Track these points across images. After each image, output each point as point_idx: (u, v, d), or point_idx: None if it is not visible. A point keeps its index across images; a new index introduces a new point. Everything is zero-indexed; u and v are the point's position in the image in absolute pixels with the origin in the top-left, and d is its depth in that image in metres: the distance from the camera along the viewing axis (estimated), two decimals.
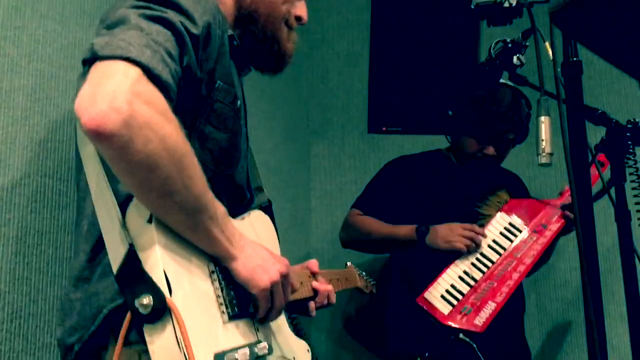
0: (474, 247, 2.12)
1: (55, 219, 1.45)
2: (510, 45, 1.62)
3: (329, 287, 1.65)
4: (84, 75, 1.01)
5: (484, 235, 2.15)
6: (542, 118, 1.08)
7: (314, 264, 1.65)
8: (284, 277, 1.19)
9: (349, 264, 2.10)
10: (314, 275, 1.63)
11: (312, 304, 1.61)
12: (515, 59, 1.66)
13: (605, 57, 0.93)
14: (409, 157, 2.63)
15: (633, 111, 2.96)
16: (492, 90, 2.26)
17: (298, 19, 1.42)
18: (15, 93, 1.36)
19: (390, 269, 2.61)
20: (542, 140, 1.06)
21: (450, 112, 2.41)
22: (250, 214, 1.33)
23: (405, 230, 2.28)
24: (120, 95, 0.90)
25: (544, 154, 1.06)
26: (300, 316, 1.63)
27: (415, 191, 2.43)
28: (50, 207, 1.44)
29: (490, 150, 2.31)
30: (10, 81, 1.35)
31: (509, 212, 2.26)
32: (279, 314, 1.22)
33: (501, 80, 2.25)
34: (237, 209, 1.29)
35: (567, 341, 2.92)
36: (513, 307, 2.32)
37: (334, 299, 1.67)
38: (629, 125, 1.67)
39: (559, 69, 1.12)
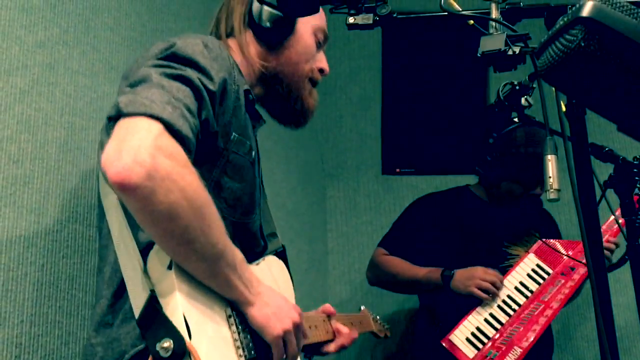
0: (490, 296, 2.11)
1: (85, 264, 1.51)
2: (517, 87, 1.68)
3: (355, 334, 1.67)
4: (107, 129, 1.08)
5: (500, 288, 2.12)
6: (549, 156, 1.13)
7: (329, 307, 1.67)
8: (297, 326, 1.22)
9: (362, 307, 2.10)
10: (328, 317, 1.65)
11: (331, 345, 1.63)
12: (523, 100, 1.71)
13: (588, 106, 1.00)
14: (436, 194, 2.60)
15: None
16: (529, 132, 2.23)
17: (321, 71, 1.49)
18: (49, 145, 1.44)
19: (418, 308, 2.60)
20: (550, 177, 1.11)
21: (488, 158, 2.37)
22: (265, 259, 1.37)
23: (431, 274, 2.27)
24: (144, 149, 0.96)
25: (551, 190, 1.10)
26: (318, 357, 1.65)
27: (443, 230, 2.42)
28: (80, 253, 1.50)
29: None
30: (44, 134, 1.43)
31: (537, 254, 2.24)
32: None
33: (533, 118, 2.25)
34: (251, 256, 1.32)
35: None
36: (543, 347, 2.29)
37: (349, 344, 1.68)
38: (636, 162, 1.71)
39: (563, 109, 1.18)
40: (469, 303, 2.12)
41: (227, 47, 1.38)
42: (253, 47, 1.41)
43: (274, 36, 1.39)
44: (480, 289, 2.11)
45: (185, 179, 1.00)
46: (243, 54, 1.39)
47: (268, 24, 1.37)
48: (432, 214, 2.48)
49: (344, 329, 1.65)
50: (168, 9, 2.02)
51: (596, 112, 0.93)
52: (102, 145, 1.23)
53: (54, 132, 1.46)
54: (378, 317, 2.14)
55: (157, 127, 1.00)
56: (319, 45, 1.48)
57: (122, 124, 1.01)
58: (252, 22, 1.39)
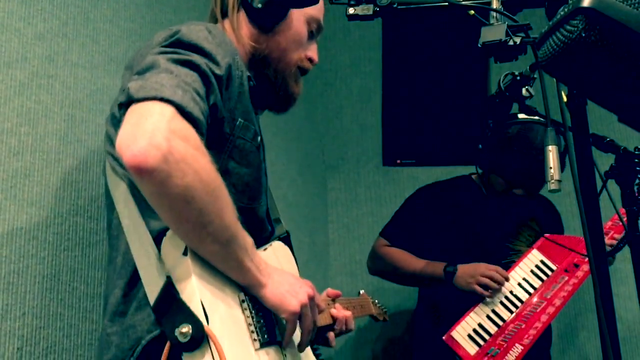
0: (491, 293, 2.10)
1: (86, 256, 1.51)
2: (518, 77, 1.67)
3: (347, 313, 1.67)
4: (113, 117, 1.08)
5: (502, 283, 2.11)
6: (550, 147, 1.13)
7: (332, 290, 1.68)
8: (312, 299, 1.22)
9: (362, 291, 2.10)
10: (332, 301, 1.66)
11: (331, 334, 1.63)
12: (524, 90, 1.71)
13: (589, 97, 1.00)
14: (437, 184, 2.58)
15: None
16: (524, 129, 2.18)
17: (310, 60, 1.48)
18: (49, 137, 1.44)
19: (418, 301, 2.60)
20: (550, 168, 1.11)
21: (480, 146, 2.35)
22: (272, 245, 1.38)
23: (434, 268, 2.26)
24: (159, 133, 0.96)
25: (552, 180, 1.10)
26: (321, 347, 1.66)
27: (444, 222, 2.40)
28: (81, 245, 1.50)
29: (519, 192, 2.30)
30: (44, 126, 1.42)
31: (541, 249, 2.23)
32: (310, 336, 1.24)
33: (536, 117, 2.15)
34: (259, 241, 1.33)
35: None
36: (541, 342, 2.30)
37: (352, 325, 1.68)
38: (637, 152, 1.71)
39: (564, 100, 1.17)
40: (470, 298, 2.12)
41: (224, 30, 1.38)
42: (245, 28, 1.41)
43: (266, 18, 1.39)
44: (481, 285, 2.11)
45: (199, 161, 1.01)
46: (235, 34, 1.39)
47: (260, 5, 1.37)
48: (433, 205, 2.46)
49: (339, 315, 1.65)
50: (167, 1, 2.01)
51: (597, 102, 0.93)
52: (108, 137, 1.24)
53: (54, 124, 1.46)
54: (377, 300, 2.15)
55: (170, 110, 1.00)
56: (312, 35, 1.47)
57: (135, 109, 1.01)
58: (245, 3, 1.39)
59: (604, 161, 1.64)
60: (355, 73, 3.46)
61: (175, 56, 1.11)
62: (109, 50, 1.68)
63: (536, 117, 2.15)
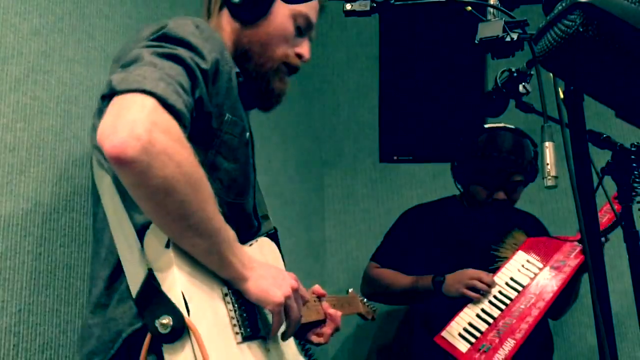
0: (480, 295, 2.11)
1: (82, 252, 1.51)
2: (515, 74, 1.67)
3: (339, 312, 1.68)
4: (100, 111, 1.08)
5: (490, 285, 2.13)
6: (546, 144, 1.12)
7: (318, 288, 1.67)
8: (296, 290, 1.23)
9: (350, 290, 2.11)
10: (319, 298, 1.66)
11: (326, 330, 1.64)
12: (521, 87, 1.71)
13: (586, 92, 1.00)
14: (424, 205, 2.64)
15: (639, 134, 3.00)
16: (492, 136, 2.30)
17: (300, 56, 1.46)
18: (45, 133, 1.43)
19: (411, 311, 2.61)
20: (547, 164, 1.11)
21: (455, 163, 2.45)
22: (257, 241, 1.38)
23: (423, 281, 2.29)
24: (139, 124, 0.97)
25: (549, 177, 1.10)
26: (314, 347, 1.66)
27: (431, 240, 2.44)
28: (77, 242, 1.50)
29: (500, 195, 2.32)
30: (40, 122, 1.42)
31: (527, 250, 2.25)
32: (295, 328, 1.25)
33: (502, 124, 2.32)
34: (245, 237, 1.33)
35: None
36: (541, 345, 2.31)
37: (340, 324, 1.68)
38: (633, 149, 1.71)
39: (561, 96, 1.17)
40: (462, 304, 2.13)
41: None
42: (227, 23, 1.41)
43: (246, 13, 1.39)
44: (469, 288, 2.12)
45: (181, 153, 1.01)
46: (219, 30, 1.39)
47: (237, 0, 1.37)
48: (420, 225, 2.51)
49: (334, 313, 1.65)
50: None
51: (594, 98, 0.93)
52: (95, 129, 1.23)
53: (49, 120, 1.45)
54: (365, 299, 2.16)
55: (151, 102, 1.01)
56: (300, 31, 1.44)
57: (116, 101, 1.01)
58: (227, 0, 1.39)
59: (600, 158, 1.64)
60: (352, 69, 3.46)
61: (160, 50, 1.11)
62: (105, 46, 1.68)
63: (502, 124, 2.32)
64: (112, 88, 1.02)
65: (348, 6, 1.40)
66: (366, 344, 3.07)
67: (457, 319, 2.06)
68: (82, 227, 1.51)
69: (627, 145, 1.74)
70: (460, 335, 2.00)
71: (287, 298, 1.19)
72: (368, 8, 1.38)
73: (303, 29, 1.45)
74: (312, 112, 3.41)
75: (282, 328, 1.23)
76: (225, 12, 1.41)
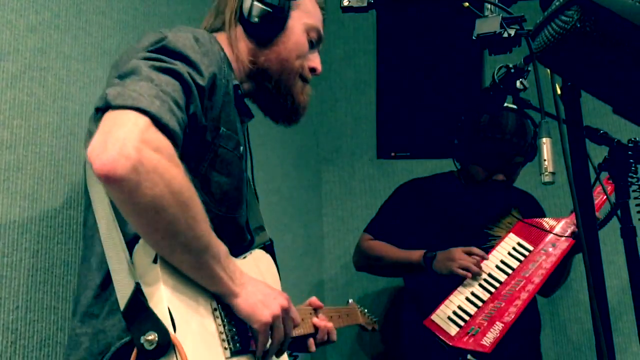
0: (471, 274, 2.11)
1: (80, 250, 1.50)
2: (512, 70, 1.67)
3: (329, 324, 1.66)
4: (95, 120, 1.08)
5: (481, 260, 2.13)
6: (544, 139, 1.13)
7: (315, 300, 1.66)
8: (285, 311, 1.22)
9: (350, 301, 2.10)
10: (315, 311, 1.65)
11: (311, 340, 1.62)
12: (518, 83, 1.71)
13: (584, 88, 1.00)
14: (421, 180, 2.64)
15: (636, 130, 3.00)
16: (494, 116, 2.27)
17: (312, 70, 1.48)
18: (42, 130, 1.43)
19: (403, 292, 2.63)
20: (545, 160, 1.11)
21: (455, 141, 2.43)
22: (252, 253, 1.38)
23: (414, 256, 2.30)
24: (129, 142, 0.96)
25: (546, 172, 1.11)
26: (301, 353, 1.65)
27: (425, 214, 2.45)
28: (75, 239, 1.50)
29: (500, 177, 2.32)
30: (37, 119, 1.42)
31: (518, 233, 2.26)
32: (280, 347, 1.24)
33: (504, 104, 2.30)
34: (237, 250, 1.33)
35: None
36: (528, 326, 2.32)
37: (334, 337, 1.67)
38: (630, 144, 1.71)
39: (558, 92, 1.17)
40: (452, 285, 2.13)
41: (218, 41, 1.37)
42: (243, 43, 1.41)
43: (264, 32, 1.39)
44: (461, 267, 2.12)
45: (171, 172, 1.01)
46: (232, 49, 1.39)
47: (257, 20, 1.37)
48: (415, 199, 2.51)
49: (320, 324, 1.63)
50: None
51: (592, 94, 0.93)
52: (90, 134, 1.22)
53: (47, 117, 1.45)
54: (366, 310, 2.15)
55: (144, 120, 1.01)
56: (312, 45, 1.47)
57: (110, 117, 1.01)
58: (242, 18, 1.39)
59: (597, 153, 1.65)
60: (350, 65, 3.45)
61: (157, 63, 1.11)
62: (102, 42, 1.67)
63: (505, 104, 2.22)
64: (107, 102, 1.02)
65: (345, 2, 1.40)
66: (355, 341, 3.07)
67: (446, 302, 2.07)
68: (79, 225, 1.51)
69: (624, 141, 1.74)
70: (449, 318, 2.01)
71: (274, 318, 1.18)
72: (365, 4, 1.38)
73: (315, 42, 1.47)
74: (310, 109, 3.38)
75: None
76: (240, 30, 1.40)
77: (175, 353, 1.01)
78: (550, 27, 0.82)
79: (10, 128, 1.33)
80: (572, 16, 0.77)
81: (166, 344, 1.01)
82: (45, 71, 1.45)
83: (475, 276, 2.12)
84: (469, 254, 2.15)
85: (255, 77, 1.42)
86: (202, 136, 1.20)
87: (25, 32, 1.40)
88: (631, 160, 1.69)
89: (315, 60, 1.48)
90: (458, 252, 2.16)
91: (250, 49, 1.40)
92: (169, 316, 1.03)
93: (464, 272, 2.11)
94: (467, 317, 2.02)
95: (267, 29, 1.39)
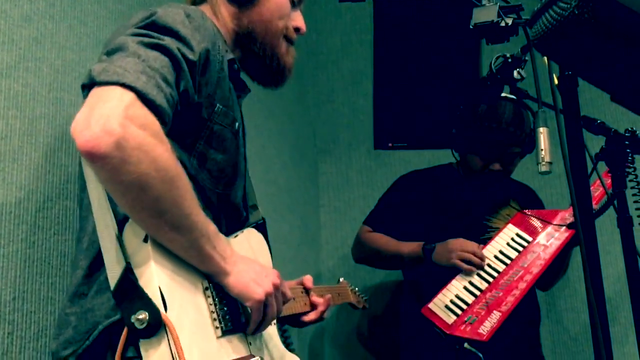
0: (471, 266, 2.11)
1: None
2: (510, 60, 1.66)
3: (328, 295, 1.68)
4: (84, 97, 1.07)
5: (483, 259, 2.13)
6: (541, 129, 1.13)
7: (308, 279, 1.67)
8: (277, 288, 1.22)
9: (341, 279, 2.11)
10: (306, 290, 1.66)
11: (311, 314, 1.64)
12: (515, 73, 1.70)
13: (582, 76, 1.00)
14: (419, 172, 2.64)
15: (633, 120, 3.00)
16: (492, 106, 2.27)
17: (297, 29, 1.47)
18: (37, 121, 1.42)
19: (402, 283, 2.63)
20: (542, 149, 1.11)
21: (453, 130, 2.42)
22: (244, 232, 1.37)
23: (413, 247, 2.30)
24: (113, 118, 0.95)
25: (543, 162, 1.11)
26: (300, 329, 1.66)
27: (424, 206, 2.44)
28: (71, 230, 1.49)
29: (496, 167, 2.32)
30: (33, 110, 1.41)
31: (517, 224, 2.26)
32: (269, 324, 1.25)
33: (502, 94, 2.29)
34: (234, 227, 1.33)
35: (578, 350, 2.94)
36: (528, 318, 2.33)
37: (327, 314, 1.70)
38: (627, 134, 1.71)
39: (555, 82, 1.17)
40: (451, 276, 2.13)
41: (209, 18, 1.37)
42: (224, 8, 1.40)
43: None
44: (462, 260, 2.12)
45: (156, 149, 0.99)
46: (216, 16, 1.38)
47: None
48: (414, 191, 2.51)
49: (320, 299, 1.66)
50: None
51: (589, 82, 0.93)
52: None
53: (42, 107, 1.44)
54: (356, 288, 2.15)
55: (130, 96, 0.99)
56: (294, 4, 1.46)
57: (94, 93, 1.00)
58: None
59: (594, 143, 1.65)
60: (347, 56, 3.45)
61: (146, 39, 1.09)
62: (97, 32, 1.66)
63: (503, 94, 2.21)
64: (92, 78, 1.01)
65: None
66: (356, 313, 3.08)
67: (444, 291, 2.07)
68: (75, 215, 1.50)
69: (621, 130, 1.74)
70: (447, 307, 2.02)
71: (267, 295, 1.18)
72: None
73: (296, 1, 1.46)
74: (307, 99, 3.40)
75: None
76: None
77: (167, 332, 1.00)
78: (547, 14, 0.82)
79: (5, 119, 1.33)
80: (570, 3, 0.77)
81: (157, 323, 1.00)
82: (40, 61, 1.44)
83: (476, 268, 2.12)
84: (472, 251, 2.14)
85: (242, 42, 1.40)
86: (197, 113, 1.18)
87: (20, 22, 1.39)
88: (628, 150, 1.69)
89: (298, 20, 1.47)
90: (458, 244, 2.16)
91: (232, 13, 1.39)
92: (159, 295, 1.02)
93: (465, 266, 2.11)
94: (464, 306, 2.02)
95: None
